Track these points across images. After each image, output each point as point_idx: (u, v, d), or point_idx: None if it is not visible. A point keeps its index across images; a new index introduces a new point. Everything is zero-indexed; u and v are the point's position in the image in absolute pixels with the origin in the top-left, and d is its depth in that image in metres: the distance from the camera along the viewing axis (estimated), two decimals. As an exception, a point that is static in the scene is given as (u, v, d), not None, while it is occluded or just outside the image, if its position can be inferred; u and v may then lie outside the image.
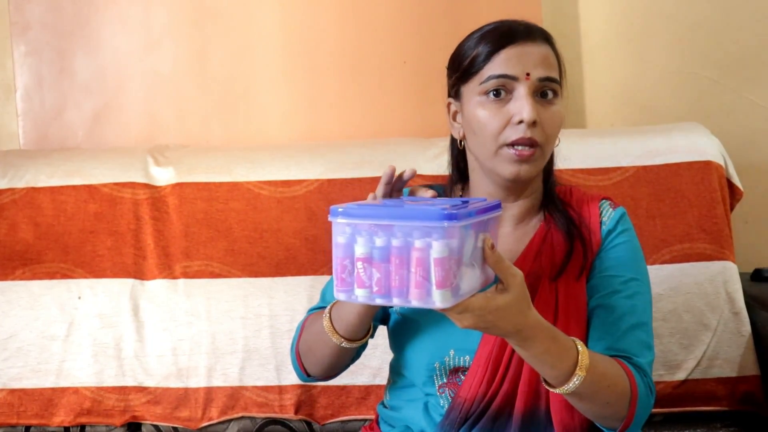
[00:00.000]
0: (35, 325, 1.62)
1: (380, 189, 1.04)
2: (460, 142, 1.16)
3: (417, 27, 1.95)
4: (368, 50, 1.96)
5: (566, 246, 1.13)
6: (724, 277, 1.59)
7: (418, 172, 1.17)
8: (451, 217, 0.81)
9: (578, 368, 0.96)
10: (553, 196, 1.18)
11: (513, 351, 1.07)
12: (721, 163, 1.68)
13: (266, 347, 1.60)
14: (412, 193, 1.10)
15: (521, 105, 1.06)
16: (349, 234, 0.86)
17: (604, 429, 1.06)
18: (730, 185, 1.69)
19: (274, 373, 1.59)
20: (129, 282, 1.65)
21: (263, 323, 1.61)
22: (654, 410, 1.46)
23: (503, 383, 1.08)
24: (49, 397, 1.60)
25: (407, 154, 1.72)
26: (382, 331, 1.57)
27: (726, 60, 2.02)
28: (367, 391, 1.58)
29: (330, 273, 1.08)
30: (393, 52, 1.96)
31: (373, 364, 1.58)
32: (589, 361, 0.97)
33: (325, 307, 1.14)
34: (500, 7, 1.91)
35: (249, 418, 1.60)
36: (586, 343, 1.09)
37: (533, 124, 1.06)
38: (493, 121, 1.08)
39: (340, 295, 0.87)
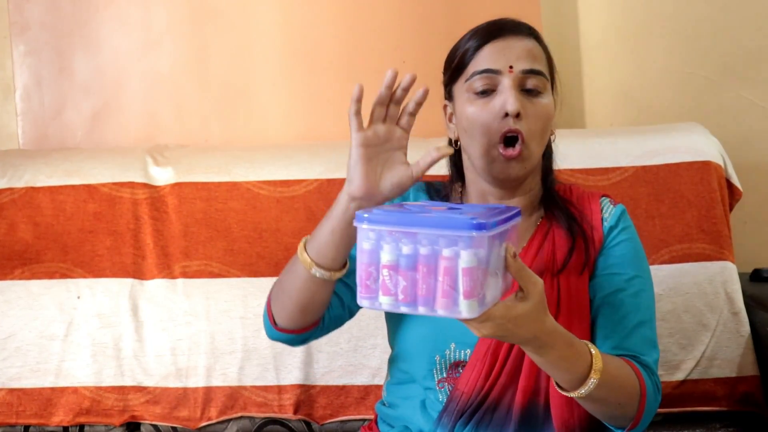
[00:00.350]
0: (34, 324, 1.62)
1: (381, 91, 1.01)
2: (456, 142, 1.17)
3: (416, 27, 1.95)
4: (368, 50, 1.96)
5: (568, 242, 1.13)
6: (723, 278, 1.59)
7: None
8: (480, 227, 0.80)
9: (592, 372, 0.97)
10: (553, 193, 1.18)
11: (512, 344, 1.07)
12: (720, 163, 1.68)
13: (265, 347, 1.60)
14: (428, 189, 1.10)
15: (505, 98, 1.07)
16: (374, 240, 0.84)
17: (612, 428, 1.06)
18: (730, 185, 1.69)
19: (273, 373, 1.59)
20: (128, 282, 1.65)
21: (262, 323, 1.61)
22: (653, 410, 1.46)
23: (500, 376, 1.08)
24: (48, 397, 1.60)
25: (407, 154, 1.71)
26: (382, 331, 1.57)
27: (725, 60, 2.02)
28: (366, 391, 1.58)
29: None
30: (392, 52, 1.96)
31: (373, 364, 1.58)
32: (602, 365, 0.97)
33: None
34: (500, 7, 1.89)
35: (248, 417, 1.60)
36: (590, 339, 1.10)
37: (517, 116, 1.06)
38: (480, 117, 1.09)
39: (363, 302, 0.86)
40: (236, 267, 1.65)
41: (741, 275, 1.64)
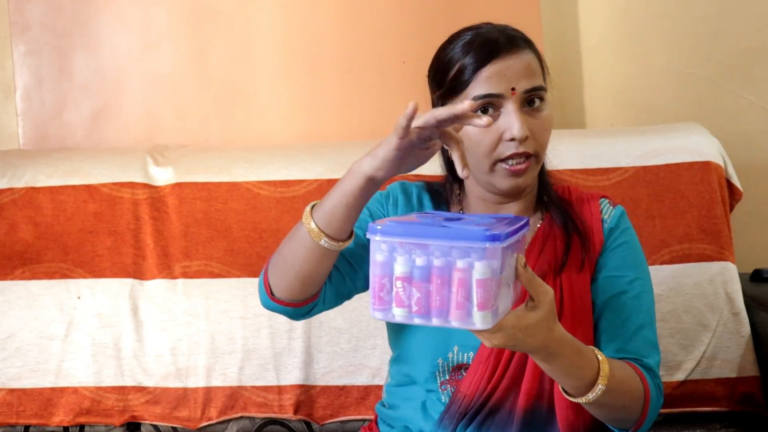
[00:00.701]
0: (34, 324, 1.62)
1: (402, 123, 0.94)
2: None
3: (416, 27, 1.95)
4: (368, 50, 1.96)
5: (565, 239, 1.14)
6: (724, 278, 1.59)
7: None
8: (494, 238, 0.80)
9: (600, 378, 0.97)
10: (551, 194, 1.18)
11: None
12: (721, 163, 1.68)
13: (265, 347, 1.60)
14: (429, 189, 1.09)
15: (511, 122, 1.05)
16: (387, 252, 0.84)
17: (616, 431, 1.07)
18: (730, 186, 1.69)
19: (274, 373, 1.59)
20: (128, 282, 1.65)
21: (262, 323, 1.61)
22: (653, 411, 1.46)
23: (503, 379, 1.09)
24: (48, 397, 1.60)
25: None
26: (382, 332, 1.57)
27: (726, 60, 2.02)
28: (366, 391, 1.58)
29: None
30: (392, 52, 1.96)
31: (373, 364, 1.58)
32: (609, 370, 0.98)
33: None
34: (499, 8, 1.92)
35: (248, 418, 1.60)
36: (594, 340, 1.11)
37: (524, 138, 1.06)
38: (484, 139, 1.07)
39: (377, 314, 0.86)
40: (236, 267, 1.65)
41: (741, 275, 1.64)
